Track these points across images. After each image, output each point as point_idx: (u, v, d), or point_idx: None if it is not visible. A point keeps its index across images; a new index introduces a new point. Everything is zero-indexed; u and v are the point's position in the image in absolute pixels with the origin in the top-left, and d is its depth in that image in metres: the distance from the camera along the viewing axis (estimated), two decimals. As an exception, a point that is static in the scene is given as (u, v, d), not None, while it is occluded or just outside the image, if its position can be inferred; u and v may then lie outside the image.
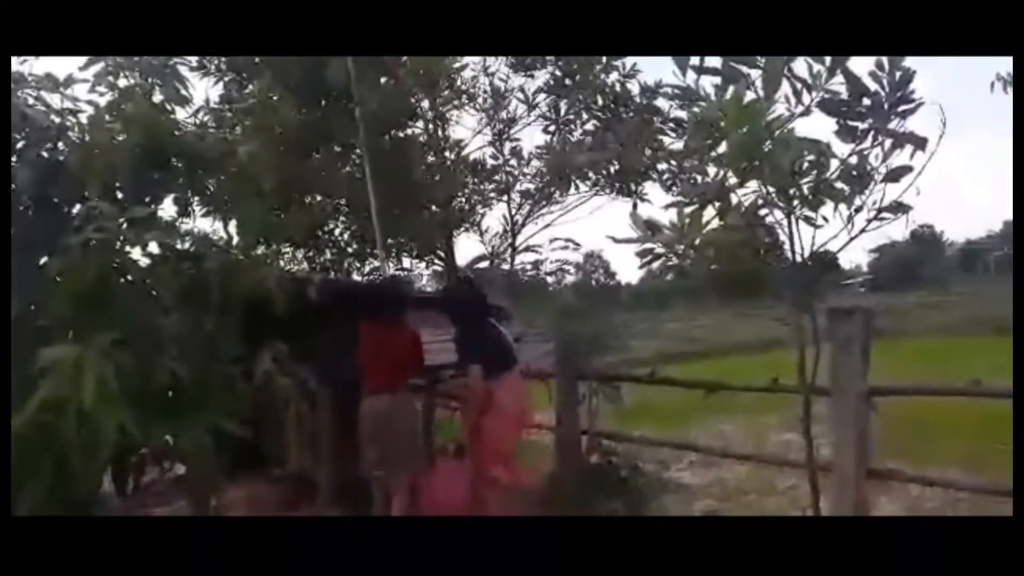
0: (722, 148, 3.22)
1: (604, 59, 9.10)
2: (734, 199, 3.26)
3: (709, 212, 3.22)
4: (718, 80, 3.17)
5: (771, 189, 3.15)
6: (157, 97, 3.47)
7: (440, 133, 10.27)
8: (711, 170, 3.33)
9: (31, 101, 3.01)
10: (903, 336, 17.59)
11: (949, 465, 6.08)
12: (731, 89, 3.07)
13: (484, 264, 10.49)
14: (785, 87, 3.07)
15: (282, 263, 8.48)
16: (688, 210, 3.07)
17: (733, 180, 3.25)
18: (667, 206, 3.66)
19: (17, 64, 3.04)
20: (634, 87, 9.15)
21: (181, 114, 3.85)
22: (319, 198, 9.90)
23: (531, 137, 10.88)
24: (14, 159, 2.87)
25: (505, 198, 10.24)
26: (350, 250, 10.30)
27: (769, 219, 3.25)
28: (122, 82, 3.49)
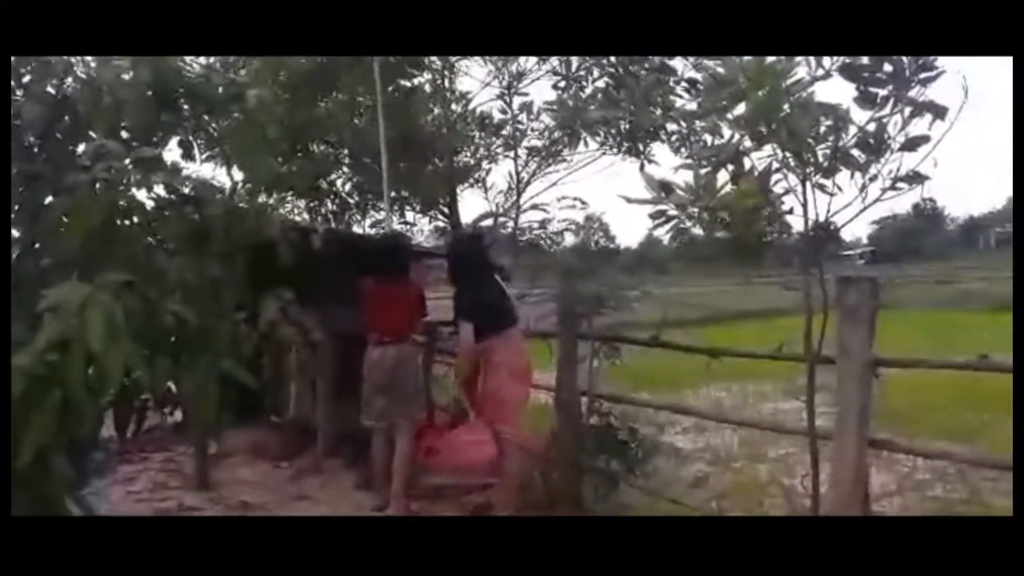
0: (738, 110, 3.18)
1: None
2: (748, 163, 3.23)
3: (722, 176, 3.19)
4: (739, 40, 3.11)
5: (787, 154, 3.12)
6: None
7: (447, 84, 10.11)
8: (725, 132, 3.30)
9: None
10: (903, 308, 17.62)
11: (942, 437, 6.14)
12: (753, 50, 3.02)
13: (488, 221, 10.44)
14: (807, 49, 3.02)
15: (284, 212, 8.43)
16: (702, 172, 3.04)
17: (748, 143, 3.21)
18: (679, 167, 3.64)
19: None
20: None
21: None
22: (322, 147, 9.82)
23: (541, 92, 10.69)
24: (20, 93, 2.82)
25: (512, 154, 10.11)
26: (352, 201, 10.25)
27: (783, 185, 3.22)
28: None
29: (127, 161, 2.52)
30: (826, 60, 3.00)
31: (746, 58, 2.97)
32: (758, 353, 4.60)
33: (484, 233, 8.66)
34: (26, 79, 2.81)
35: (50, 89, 2.88)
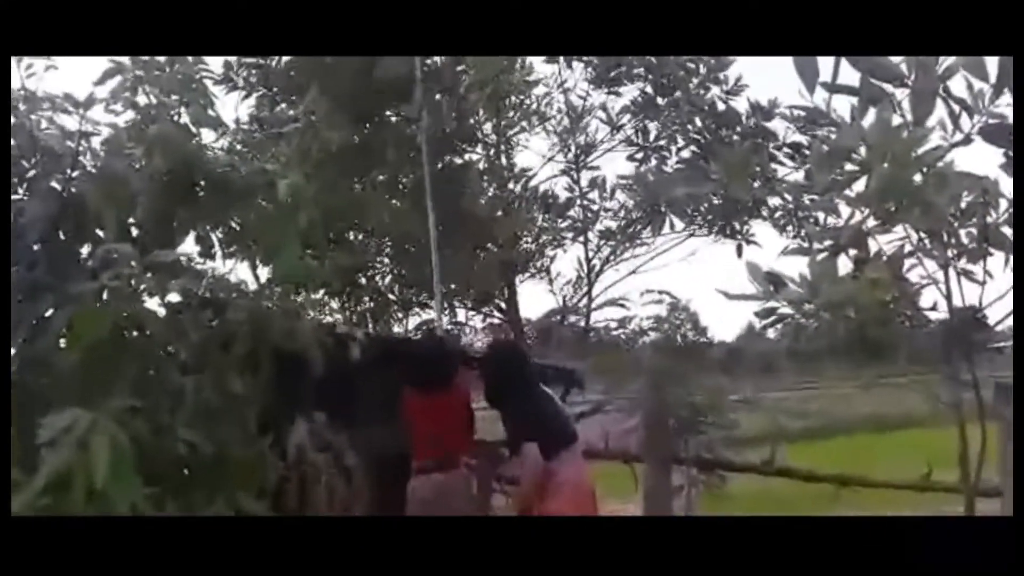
0: (859, 184, 3.18)
1: (702, 71, 9.05)
2: (873, 246, 3.20)
3: (842, 261, 3.17)
4: (855, 100, 3.14)
5: (922, 235, 3.08)
6: (183, 117, 3.61)
7: (504, 160, 10.33)
8: (843, 209, 3.29)
9: (43, 124, 3.14)
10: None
11: None
12: (872, 111, 3.04)
13: (554, 318, 10.43)
14: (940, 110, 3.03)
15: (317, 314, 8.60)
16: (818, 259, 3.02)
17: (872, 223, 3.19)
18: (787, 252, 3.62)
19: (26, 80, 3.21)
20: (740, 104, 9.08)
21: (207, 136, 3.99)
22: (360, 236, 10.03)
23: (614, 165, 10.77)
24: (23, 190, 2.99)
25: (581, 238, 10.15)
26: (393, 298, 10.37)
27: (919, 271, 3.17)
28: (141, 99, 3.65)
29: (140, 265, 2.63)
30: (965, 123, 3.00)
31: (866, 123, 2.99)
32: (898, 483, 4.44)
33: (521, 342, 8.64)
34: (30, 173, 2.99)
35: (55, 184, 3.05)
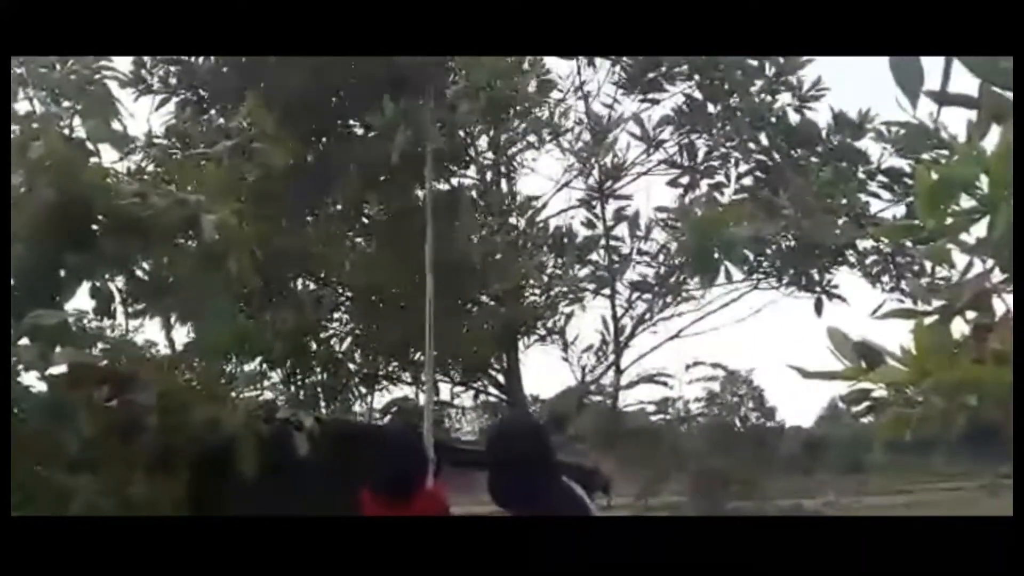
0: (980, 227, 3.16)
1: (769, 71, 8.91)
2: (1000, 307, 3.17)
3: (958, 325, 3.13)
4: (972, 115, 3.13)
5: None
6: (77, 131, 3.59)
7: (504, 186, 10.28)
8: (958, 258, 3.26)
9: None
10: None
11: None
12: (996, 129, 3.03)
13: (567, 397, 10.29)
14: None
15: (252, 390, 8.45)
16: (927, 324, 2.98)
17: (998, 276, 3.16)
18: (880, 313, 3.58)
19: None
20: (820, 116, 8.93)
21: (108, 156, 3.95)
22: (310, 287, 9.96)
23: (649, 194, 10.63)
24: None
25: (606, 290, 9.99)
26: (352, 367, 10.19)
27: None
28: (23, 105, 3.63)
29: (15, 331, 2.60)
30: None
31: (987, 145, 2.98)
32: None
33: (542, 424, 8.50)
34: None
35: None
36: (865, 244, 8.53)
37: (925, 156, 3.46)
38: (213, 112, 8.93)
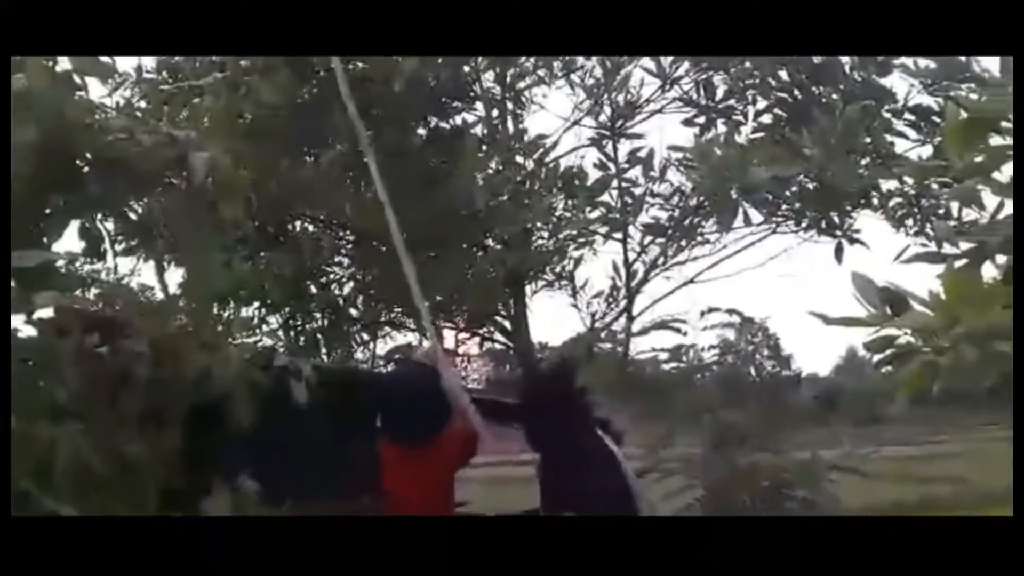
0: (1009, 166, 3.11)
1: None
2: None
3: (988, 270, 3.09)
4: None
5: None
6: (62, 62, 3.51)
7: (511, 124, 10.17)
8: (987, 199, 3.21)
9: None
10: None
11: None
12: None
13: (577, 345, 10.22)
14: None
15: (247, 338, 8.36)
16: (956, 266, 2.94)
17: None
18: (904, 257, 3.53)
19: None
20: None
21: (95, 90, 3.87)
22: (309, 230, 9.89)
23: (664, 133, 10.48)
24: None
25: (618, 234, 9.91)
26: (355, 313, 10.18)
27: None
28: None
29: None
30: None
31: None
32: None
33: (573, 366, 8.45)
34: None
35: None
36: (888, 186, 8.44)
37: (955, 92, 3.45)
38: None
